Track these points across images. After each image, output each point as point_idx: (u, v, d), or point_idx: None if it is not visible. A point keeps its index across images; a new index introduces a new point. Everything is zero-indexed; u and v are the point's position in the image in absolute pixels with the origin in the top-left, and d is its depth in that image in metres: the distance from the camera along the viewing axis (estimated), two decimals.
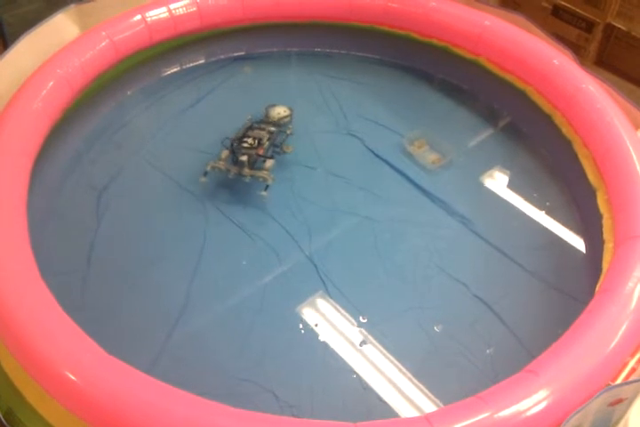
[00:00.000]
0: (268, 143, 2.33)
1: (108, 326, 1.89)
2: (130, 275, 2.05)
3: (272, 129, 2.39)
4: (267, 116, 2.47)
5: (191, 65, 2.86)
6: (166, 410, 1.49)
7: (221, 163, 2.28)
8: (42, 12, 2.55)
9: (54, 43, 2.44)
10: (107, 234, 2.15)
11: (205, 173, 2.28)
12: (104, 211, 2.22)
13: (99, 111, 2.61)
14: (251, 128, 2.38)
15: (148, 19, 2.58)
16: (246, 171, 2.26)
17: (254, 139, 2.30)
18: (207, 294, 2.01)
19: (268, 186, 2.25)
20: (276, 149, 2.40)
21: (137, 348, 1.84)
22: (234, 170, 2.27)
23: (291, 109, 2.49)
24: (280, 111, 2.47)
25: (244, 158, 2.24)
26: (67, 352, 1.55)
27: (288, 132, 2.44)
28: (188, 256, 2.11)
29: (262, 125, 2.40)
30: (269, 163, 2.29)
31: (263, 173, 2.26)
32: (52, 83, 2.27)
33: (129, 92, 2.72)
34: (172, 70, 2.83)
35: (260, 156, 2.29)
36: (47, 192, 2.25)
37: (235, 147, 2.28)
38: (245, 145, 2.27)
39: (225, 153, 2.30)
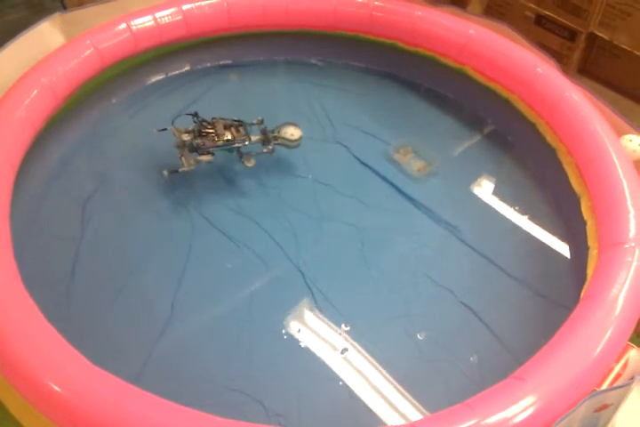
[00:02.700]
0: (222, 143, 2.27)
1: (93, 336, 1.87)
2: (115, 285, 2.03)
3: (252, 138, 2.34)
4: (277, 130, 2.38)
5: (177, 73, 2.86)
6: (152, 421, 1.48)
7: (179, 130, 2.28)
8: (26, 21, 2.54)
9: (39, 51, 2.43)
10: (91, 243, 2.14)
11: (162, 130, 2.30)
12: (88, 220, 2.20)
13: (83, 119, 2.59)
14: (233, 124, 2.32)
15: (134, 27, 2.57)
16: (184, 151, 2.26)
17: (215, 132, 2.27)
18: (193, 304, 2.00)
19: (176, 171, 2.25)
20: (241, 158, 2.35)
21: (123, 358, 1.83)
22: (179, 142, 2.26)
23: (300, 138, 2.39)
24: (288, 132, 2.37)
25: (186, 138, 2.24)
26: (51, 363, 1.54)
27: (264, 150, 2.37)
28: (174, 265, 2.09)
29: (245, 130, 2.33)
30: (204, 157, 2.28)
31: (187, 160, 2.24)
32: (36, 91, 2.26)
33: (114, 101, 2.71)
34: (158, 78, 2.82)
35: (198, 147, 2.25)
36: (31, 201, 2.23)
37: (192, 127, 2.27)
38: (204, 130, 2.26)
39: (196, 128, 2.29)
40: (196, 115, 2.30)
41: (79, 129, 2.55)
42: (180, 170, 2.25)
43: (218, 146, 2.28)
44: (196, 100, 2.71)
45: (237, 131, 2.32)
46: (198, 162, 2.28)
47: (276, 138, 2.38)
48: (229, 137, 2.29)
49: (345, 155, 2.53)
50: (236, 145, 2.31)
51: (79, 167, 2.41)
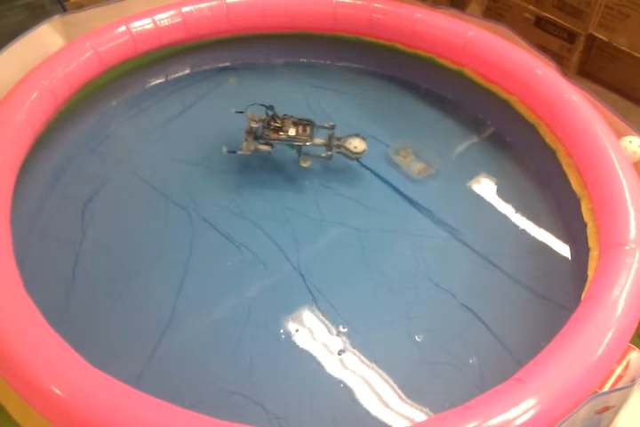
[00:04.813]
0: (284, 137, 2.34)
1: (93, 338, 1.87)
2: (115, 287, 2.03)
3: (315, 141, 2.37)
4: (343, 139, 2.40)
5: (176, 76, 2.86)
6: (152, 424, 1.48)
7: (252, 116, 2.36)
8: (26, 23, 2.54)
9: (38, 54, 2.43)
10: (91, 246, 2.13)
11: (239, 112, 2.41)
12: (88, 223, 2.20)
13: (83, 122, 2.59)
14: (301, 123, 2.38)
15: (133, 30, 2.57)
16: (248, 135, 2.35)
17: (281, 127, 2.35)
18: (194, 306, 2.00)
19: (234, 152, 2.37)
20: (299, 156, 2.41)
21: (123, 361, 1.83)
22: (247, 128, 2.36)
23: (363, 152, 2.39)
24: (353, 143, 2.38)
25: (254, 125, 2.34)
26: (51, 365, 1.53)
27: (323, 154, 2.40)
28: (174, 268, 2.09)
29: (311, 131, 2.38)
30: (264, 147, 2.36)
31: (248, 146, 2.33)
32: (35, 94, 2.25)
33: (113, 103, 2.71)
34: (157, 81, 2.82)
35: (262, 136, 2.35)
36: (31, 204, 2.23)
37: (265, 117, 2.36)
38: (272, 122, 2.35)
39: (267, 119, 2.36)
40: (270, 108, 2.37)
41: (79, 132, 2.55)
42: (239, 152, 2.36)
43: (280, 139, 2.35)
44: (196, 102, 2.71)
45: (304, 130, 2.38)
46: (257, 150, 2.36)
47: (338, 146, 2.40)
48: (293, 134, 2.36)
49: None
50: (297, 143, 2.37)
51: (79, 170, 2.41)
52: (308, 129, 2.38)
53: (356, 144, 2.38)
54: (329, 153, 2.40)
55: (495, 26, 2.71)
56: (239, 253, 2.15)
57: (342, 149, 2.40)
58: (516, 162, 2.57)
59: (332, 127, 2.44)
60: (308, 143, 2.36)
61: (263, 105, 2.37)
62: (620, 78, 2.78)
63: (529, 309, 2.06)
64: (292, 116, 2.40)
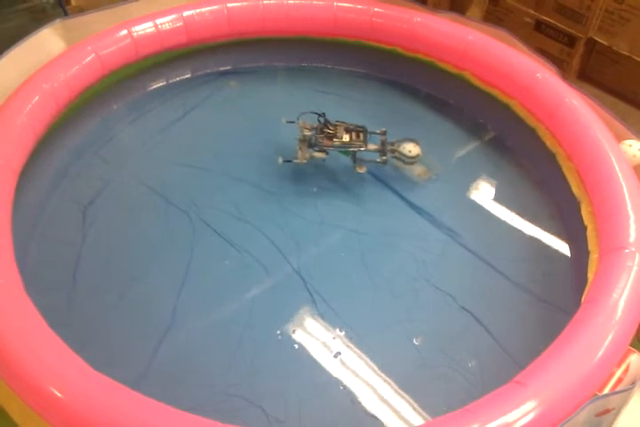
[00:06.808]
0: (338, 144, 2.36)
1: (94, 341, 1.87)
2: (116, 290, 2.03)
3: (369, 146, 2.38)
4: (397, 144, 2.41)
5: (177, 79, 2.87)
6: (153, 426, 1.48)
7: (305, 125, 2.37)
8: (27, 27, 2.55)
9: (40, 57, 2.44)
10: (92, 249, 2.14)
11: (290, 122, 2.44)
12: (89, 226, 2.21)
13: (84, 125, 2.60)
14: (354, 129, 2.39)
15: (135, 33, 2.58)
16: (302, 144, 2.38)
17: (334, 133, 2.36)
18: (194, 309, 2.00)
19: (290, 161, 2.38)
20: (354, 162, 2.42)
21: (124, 363, 1.83)
22: (300, 136, 2.38)
23: (417, 156, 2.41)
24: (407, 148, 2.39)
25: (307, 133, 2.36)
26: (52, 368, 1.53)
27: (378, 159, 2.41)
28: (175, 271, 2.09)
29: (365, 137, 2.38)
30: (319, 154, 2.37)
31: (302, 154, 2.36)
32: (37, 97, 2.26)
33: (115, 107, 2.72)
34: (158, 85, 2.83)
35: (316, 143, 2.37)
36: (32, 207, 2.24)
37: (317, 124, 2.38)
38: (325, 129, 2.36)
39: (319, 126, 2.38)
40: (322, 115, 2.38)
41: (80, 135, 2.56)
42: (294, 161, 2.37)
43: (334, 146, 2.37)
44: (197, 106, 2.72)
45: (357, 136, 2.39)
46: (312, 157, 2.38)
47: (392, 151, 2.42)
48: (347, 140, 2.37)
49: (345, 160, 2.53)
50: (351, 149, 2.38)
51: (80, 173, 2.41)
52: (362, 135, 2.39)
53: (410, 148, 2.39)
54: (384, 158, 2.41)
55: (495, 30, 2.72)
56: (239, 256, 2.15)
57: (397, 154, 2.42)
58: (516, 165, 2.58)
59: (384, 133, 2.45)
60: (362, 149, 2.37)
61: (315, 113, 2.38)
62: (620, 82, 2.78)
63: (529, 312, 2.06)
64: (343, 123, 2.40)
